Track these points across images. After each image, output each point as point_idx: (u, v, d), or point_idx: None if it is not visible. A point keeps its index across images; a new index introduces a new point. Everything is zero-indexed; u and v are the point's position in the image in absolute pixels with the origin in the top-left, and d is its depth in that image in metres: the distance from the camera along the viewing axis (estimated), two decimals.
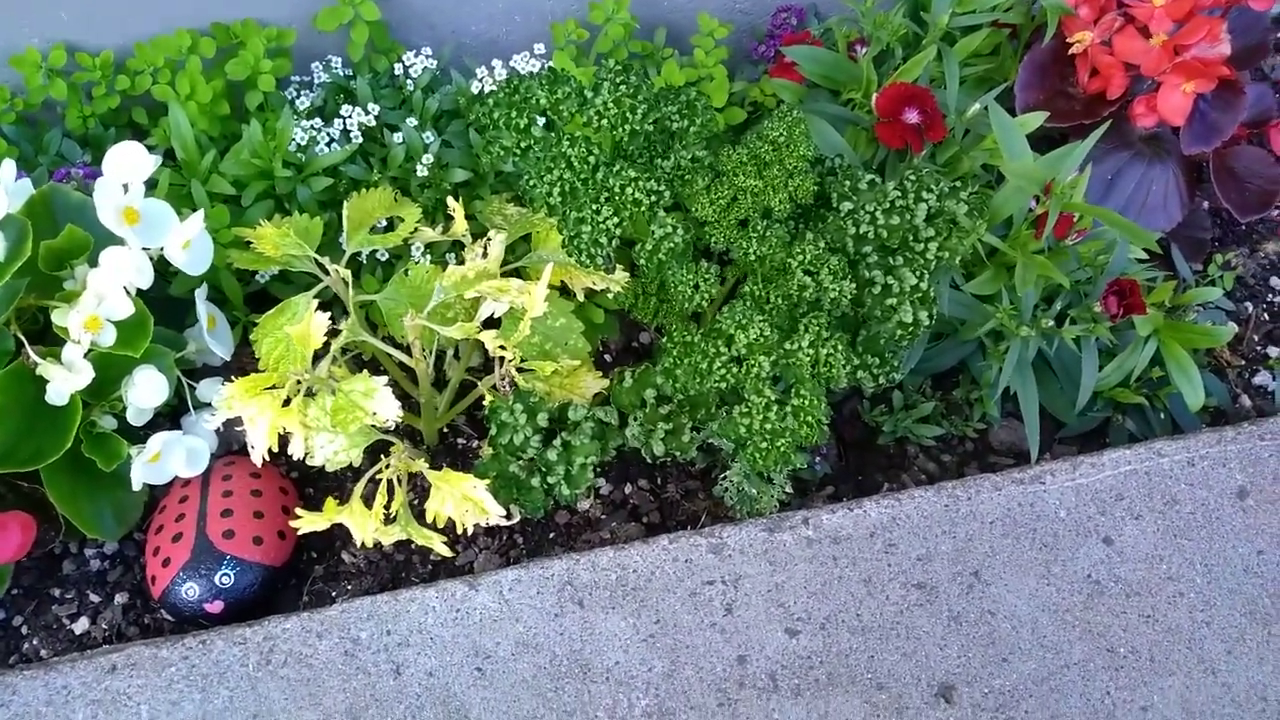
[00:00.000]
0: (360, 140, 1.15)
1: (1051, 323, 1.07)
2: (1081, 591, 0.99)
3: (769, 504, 1.04)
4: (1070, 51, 1.18)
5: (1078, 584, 1.00)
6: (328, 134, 1.15)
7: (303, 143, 1.13)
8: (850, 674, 0.93)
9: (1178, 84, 1.12)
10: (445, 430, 1.14)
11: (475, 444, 1.13)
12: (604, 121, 0.95)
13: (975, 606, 0.97)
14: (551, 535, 1.08)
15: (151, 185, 1.04)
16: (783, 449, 0.90)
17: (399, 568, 1.04)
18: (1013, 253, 1.03)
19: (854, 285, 0.93)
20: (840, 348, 0.92)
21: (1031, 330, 1.05)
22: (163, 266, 1.06)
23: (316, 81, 1.21)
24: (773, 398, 0.89)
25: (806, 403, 0.90)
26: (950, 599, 0.97)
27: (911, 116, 1.09)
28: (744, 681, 0.92)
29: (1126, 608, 0.99)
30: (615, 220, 0.92)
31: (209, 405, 1.04)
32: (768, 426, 0.90)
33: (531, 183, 0.97)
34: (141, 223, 0.94)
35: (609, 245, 0.94)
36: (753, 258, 0.95)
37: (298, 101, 1.17)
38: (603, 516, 1.09)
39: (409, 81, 1.19)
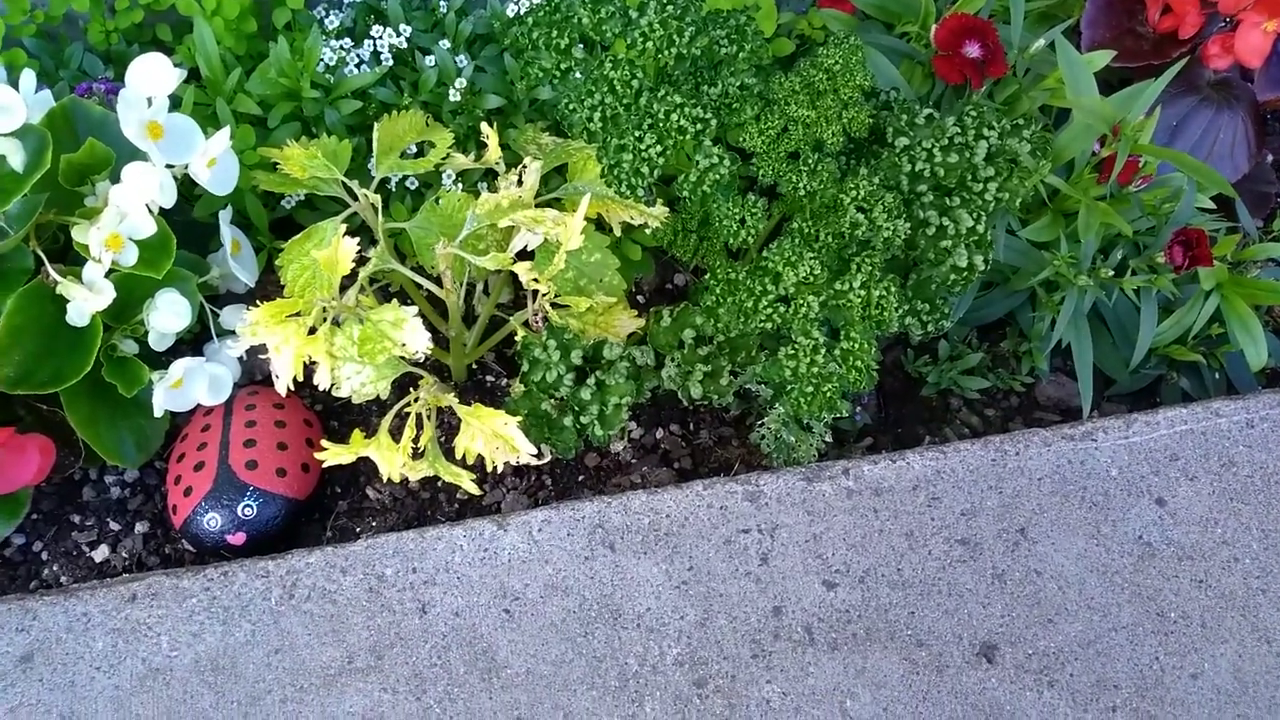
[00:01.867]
0: (391, 63, 1.10)
1: (1111, 273, 1.02)
2: (1132, 553, 0.95)
3: (808, 453, 1.01)
4: None
5: (1128, 545, 0.96)
6: (357, 55, 1.10)
7: (331, 63, 1.09)
8: (889, 630, 0.89)
9: (1258, 22, 1.05)
10: (474, 367, 1.11)
11: (504, 382, 1.10)
12: (649, 44, 0.89)
13: (1020, 565, 0.94)
14: (580, 478, 1.05)
15: (176, 103, 1.00)
16: (829, 394, 0.86)
17: (424, 506, 1.02)
18: (1076, 196, 0.98)
19: (908, 225, 0.89)
20: (893, 289, 0.87)
21: (1090, 280, 1.00)
22: (186, 189, 1.03)
23: (346, 1, 1.16)
24: (821, 340, 0.85)
25: (857, 346, 0.86)
26: (995, 556, 0.94)
27: (972, 50, 1.04)
28: (779, 633, 0.89)
29: (1179, 571, 0.95)
30: (658, 149, 0.87)
31: (232, 333, 1.01)
32: (815, 370, 0.86)
33: (571, 107, 0.92)
34: (166, 138, 0.90)
35: (651, 175, 0.89)
36: (802, 192, 0.91)
37: (326, 21, 1.13)
38: (633, 461, 1.06)
39: (442, 3, 1.14)
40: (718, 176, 0.89)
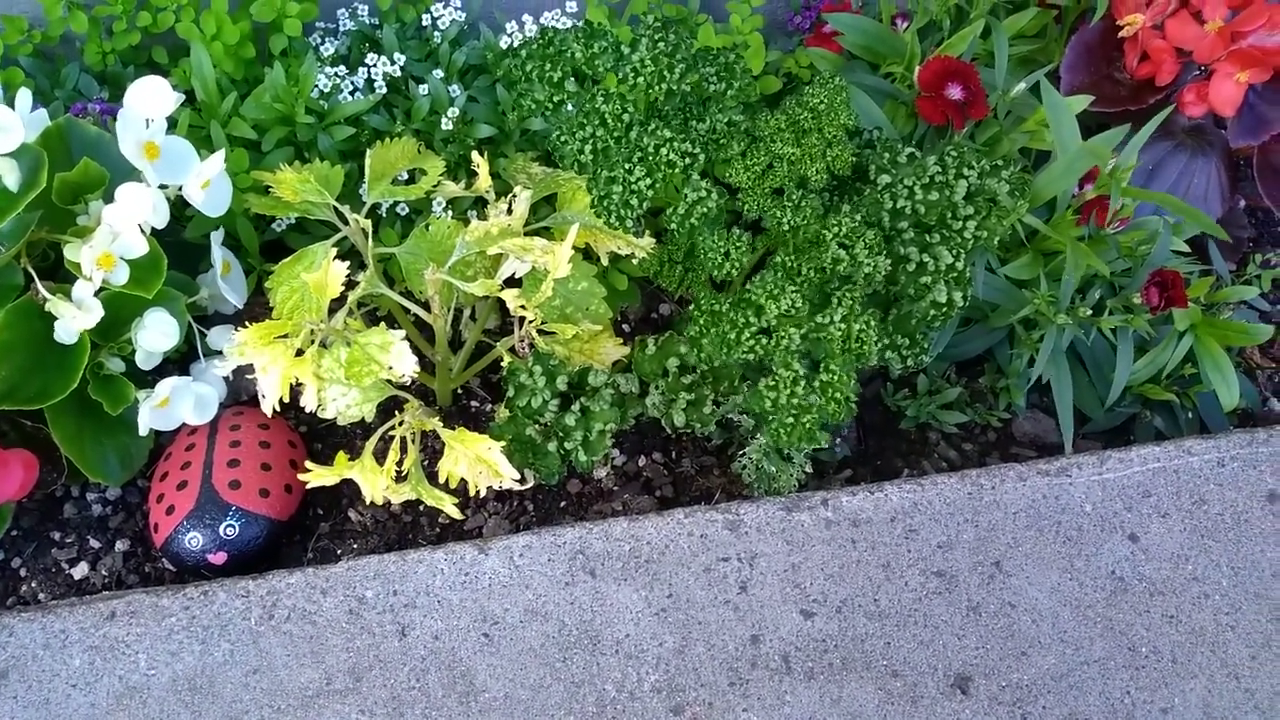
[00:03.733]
0: (384, 91, 1.12)
1: (1089, 312, 1.04)
2: (1104, 588, 0.97)
3: (788, 483, 1.02)
4: (1120, 35, 1.15)
5: (1101, 580, 0.97)
6: (351, 83, 1.12)
7: (326, 90, 1.10)
8: (865, 659, 0.90)
9: (1231, 73, 1.08)
10: (459, 392, 1.12)
11: (489, 407, 1.11)
12: (640, 79, 0.92)
13: (995, 598, 0.95)
14: (562, 504, 1.06)
15: (171, 125, 1.01)
16: (808, 425, 0.87)
17: (406, 529, 1.02)
18: (1057, 236, 1.00)
19: (889, 261, 0.90)
20: (873, 323, 0.89)
21: (1069, 319, 1.02)
22: (178, 210, 1.03)
23: (342, 29, 1.18)
24: (801, 372, 0.87)
25: (836, 379, 0.87)
26: (970, 589, 0.95)
27: (954, 92, 1.06)
28: (756, 661, 0.89)
29: (1150, 607, 0.96)
30: (648, 182, 0.89)
31: (219, 353, 1.01)
32: (794, 401, 0.87)
33: (563, 139, 0.94)
34: (162, 158, 0.91)
35: (640, 207, 0.91)
36: (786, 228, 0.92)
37: (322, 48, 1.14)
38: (615, 488, 1.07)
39: (436, 34, 1.16)
40: (705, 210, 0.91)
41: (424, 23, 1.17)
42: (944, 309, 0.95)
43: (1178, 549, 1.00)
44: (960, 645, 0.92)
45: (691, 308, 0.95)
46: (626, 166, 0.91)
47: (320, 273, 0.88)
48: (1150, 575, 0.98)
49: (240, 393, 1.07)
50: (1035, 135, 1.15)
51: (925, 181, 0.95)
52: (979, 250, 1.02)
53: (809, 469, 1.03)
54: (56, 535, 0.99)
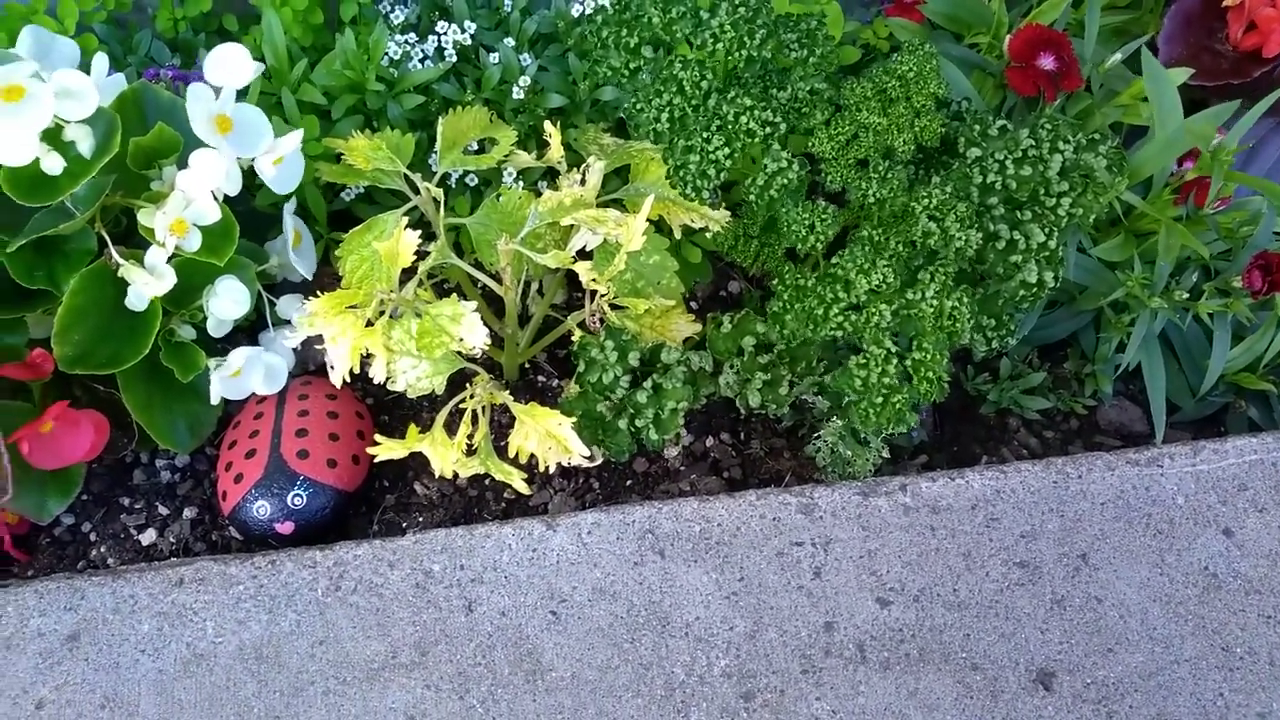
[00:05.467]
0: (454, 59, 1.10)
1: (1185, 295, 0.99)
2: (1197, 584, 0.92)
3: (863, 468, 0.98)
4: (1224, 3, 1.09)
5: (1193, 576, 0.93)
6: (421, 50, 1.10)
7: (396, 57, 1.09)
8: (944, 651, 0.87)
9: None
10: (525, 367, 1.10)
11: (556, 383, 1.09)
12: (719, 45, 0.88)
13: (1081, 591, 0.91)
14: (628, 483, 1.03)
15: (241, 94, 1.00)
16: (899, 406, 0.84)
17: (471, 503, 1.01)
18: (1155, 215, 0.95)
19: (980, 236, 0.86)
20: (965, 300, 0.85)
21: (1163, 302, 0.97)
22: (248, 177, 1.03)
23: None
24: (893, 349, 0.83)
25: (928, 357, 0.84)
26: (1054, 581, 0.91)
27: (1046, 62, 1.01)
28: (830, 649, 0.87)
29: (1245, 605, 0.91)
30: (726, 151, 0.86)
31: (287, 322, 1.00)
32: (886, 380, 0.84)
33: (639, 107, 0.91)
34: (235, 131, 0.90)
35: (717, 177, 0.88)
36: (872, 200, 0.89)
37: (392, 15, 1.13)
38: (682, 468, 1.05)
39: (506, 2, 1.14)
40: (785, 181, 0.87)
41: None
42: (1034, 289, 0.91)
43: (1275, 546, 0.95)
44: (1043, 640, 0.88)
45: (775, 282, 0.92)
46: (704, 135, 0.88)
47: (392, 241, 0.86)
48: (1246, 572, 0.93)
49: (308, 362, 1.07)
50: (1130, 110, 1.09)
51: (1018, 155, 0.91)
52: (1072, 229, 0.97)
53: (885, 454, 1.00)
54: (125, 501, 1.00)
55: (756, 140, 0.88)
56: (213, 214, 0.90)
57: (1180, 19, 1.12)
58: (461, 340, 0.86)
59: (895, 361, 0.84)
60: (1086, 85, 1.08)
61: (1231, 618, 0.91)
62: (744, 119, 0.88)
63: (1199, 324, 1.05)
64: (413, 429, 0.87)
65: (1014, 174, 0.90)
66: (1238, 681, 0.88)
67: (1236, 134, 0.99)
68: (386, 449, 0.87)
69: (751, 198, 0.91)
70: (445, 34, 1.10)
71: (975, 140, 0.92)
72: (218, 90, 0.90)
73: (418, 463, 1.02)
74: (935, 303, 0.84)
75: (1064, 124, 0.92)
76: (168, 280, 0.89)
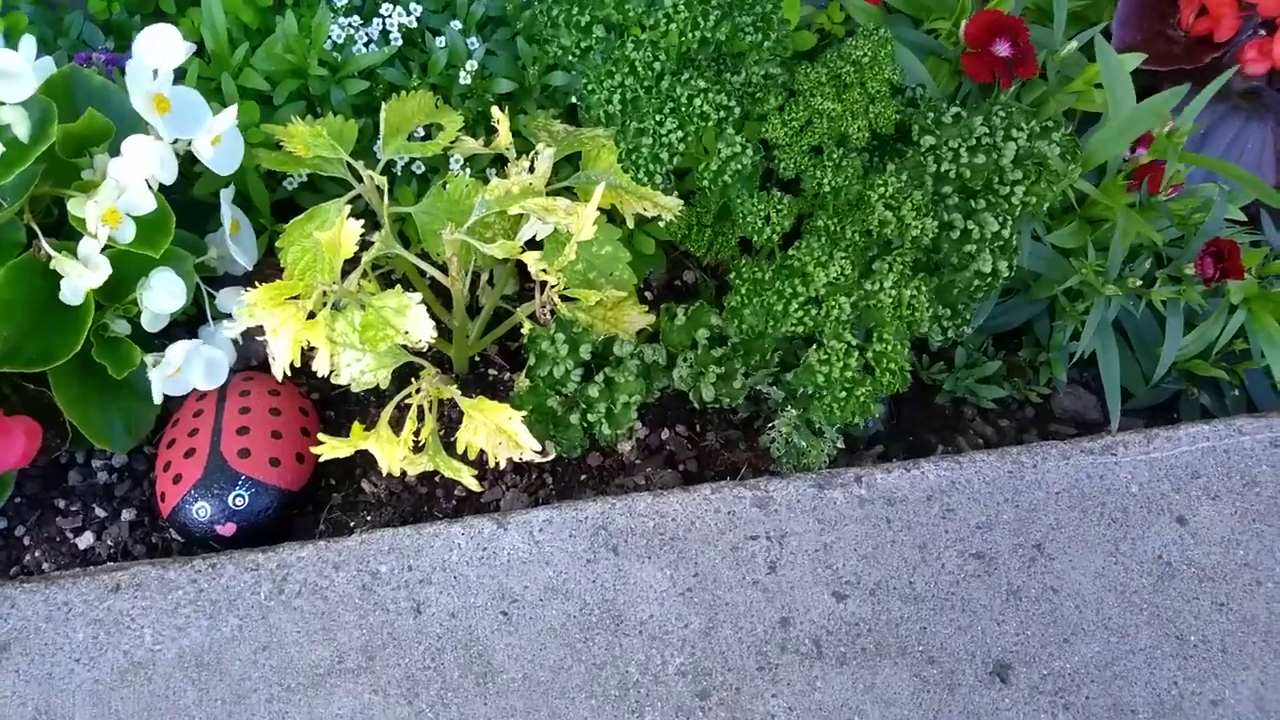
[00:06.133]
0: (400, 43, 1.07)
1: (1140, 282, 0.99)
2: (1151, 573, 0.92)
3: (818, 459, 0.97)
4: None
5: (1147, 564, 0.93)
6: (366, 34, 1.07)
7: (339, 41, 1.05)
8: (900, 645, 0.86)
9: None
10: (476, 360, 1.08)
11: (507, 376, 1.07)
12: (673, 26, 0.86)
13: (1037, 582, 0.91)
14: (583, 477, 1.02)
15: (179, 76, 0.97)
16: (862, 399, 0.83)
17: (421, 501, 0.98)
18: (1108, 203, 0.95)
19: (936, 224, 0.85)
20: (924, 289, 0.84)
21: (1118, 290, 0.97)
22: (186, 166, 0.99)
23: None
24: (854, 343, 0.82)
25: (889, 348, 0.83)
26: (1010, 572, 0.91)
27: (1002, 49, 1.00)
28: (786, 645, 0.86)
29: (1199, 593, 0.92)
30: (679, 134, 0.84)
31: (228, 316, 0.97)
32: (849, 374, 0.82)
33: (590, 89, 0.89)
34: (173, 112, 0.87)
35: (670, 161, 0.86)
36: (826, 188, 0.87)
37: None
38: (637, 462, 1.03)
39: None
40: (739, 167, 0.86)
41: None
42: (989, 279, 0.90)
43: (1228, 533, 0.95)
44: (1000, 631, 0.88)
45: (731, 276, 0.90)
46: (657, 118, 0.86)
47: (333, 231, 0.84)
48: (1199, 560, 0.93)
49: (250, 357, 1.03)
50: (1083, 96, 1.09)
51: (972, 144, 0.90)
52: (1026, 218, 0.97)
53: (840, 444, 0.99)
54: (61, 503, 0.96)
55: (710, 124, 0.86)
56: (147, 203, 0.86)
57: (1134, 4, 1.12)
58: (406, 333, 0.83)
59: (856, 355, 0.82)
60: (1042, 71, 1.08)
61: (1185, 606, 0.91)
62: (697, 101, 0.86)
63: (1152, 311, 1.05)
64: (357, 426, 0.84)
65: (968, 162, 0.89)
66: (1191, 670, 0.88)
67: (1188, 117, 0.99)
68: (330, 447, 0.84)
69: (705, 183, 0.89)
70: (390, 17, 1.06)
71: (929, 128, 0.91)
72: (154, 72, 0.87)
73: (365, 460, 0.99)
74: (894, 293, 0.83)
75: (1018, 111, 0.92)
76: (103, 272, 0.86)
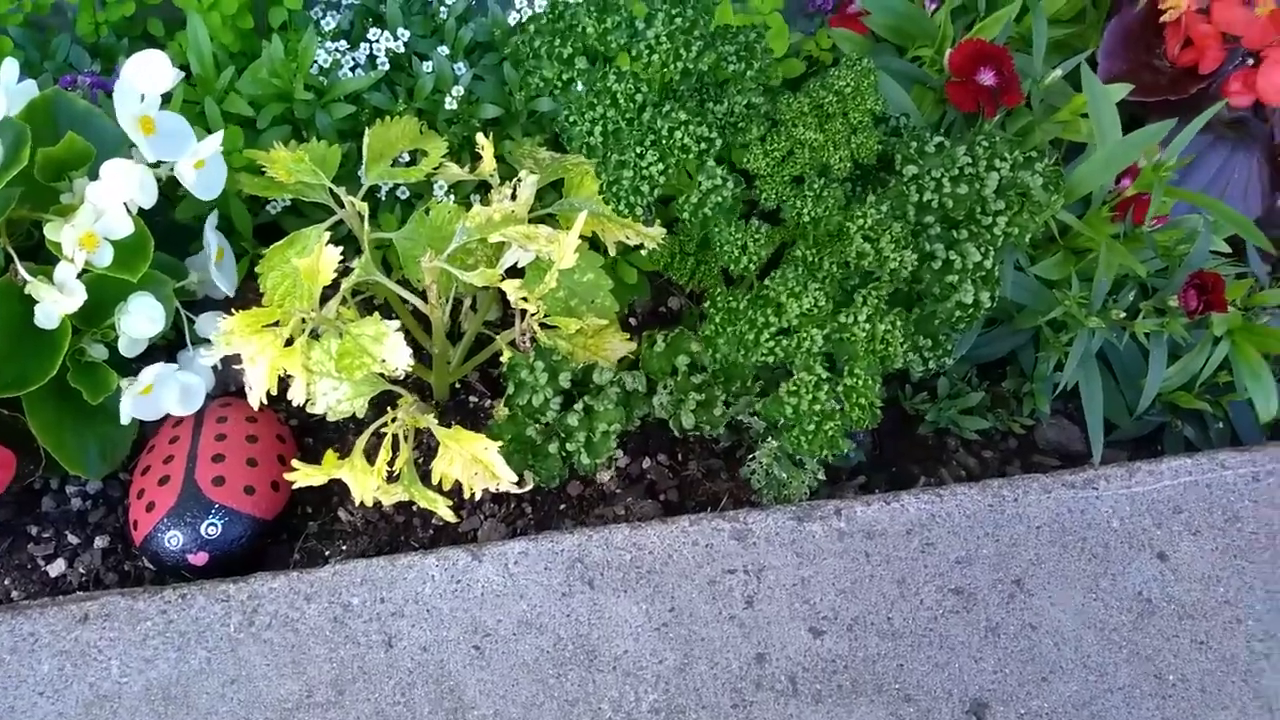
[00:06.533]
0: (387, 67, 1.07)
1: (1123, 314, 0.98)
2: (1131, 610, 0.92)
3: (799, 490, 0.97)
4: (1162, 19, 1.09)
5: (1127, 601, 0.92)
6: (352, 59, 1.07)
7: (326, 65, 1.05)
8: (876, 682, 0.85)
9: None
10: (457, 386, 1.07)
11: (488, 403, 1.06)
12: (655, 57, 0.86)
13: (1016, 618, 0.90)
14: (562, 507, 1.01)
15: (165, 100, 0.97)
16: (830, 432, 0.82)
17: (398, 530, 0.98)
18: (1091, 234, 0.94)
19: (915, 257, 0.85)
20: (899, 324, 0.83)
21: (1101, 321, 0.97)
22: (168, 189, 0.99)
23: (344, 2, 1.12)
24: (824, 376, 0.81)
25: (860, 383, 0.82)
26: (989, 608, 0.90)
27: (987, 77, 1.00)
28: (761, 682, 0.85)
29: (1179, 631, 0.91)
30: (660, 167, 0.84)
31: (208, 342, 0.97)
32: (817, 407, 0.82)
33: (571, 120, 0.88)
34: (158, 134, 0.87)
35: (651, 194, 0.85)
36: (807, 219, 0.87)
37: (323, 22, 1.09)
38: (618, 491, 1.02)
39: (442, 9, 1.11)
40: (720, 199, 0.85)
41: None
42: (970, 310, 0.89)
43: (1209, 569, 0.94)
44: (978, 669, 0.87)
45: (706, 305, 0.90)
46: (638, 150, 0.85)
47: (312, 258, 0.83)
48: (1180, 597, 0.93)
49: (229, 383, 1.03)
50: (1069, 126, 1.09)
51: (954, 173, 0.89)
52: (1008, 248, 0.96)
53: (821, 475, 0.98)
54: (33, 530, 0.95)
55: (691, 156, 0.85)
56: (125, 227, 0.86)
57: (1120, 35, 1.12)
58: (383, 361, 0.83)
59: (826, 388, 0.82)
60: (1027, 101, 1.08)
61: (1165, 644, 0.90)
62: (679, 134, 0.86)
63: (1136, 343, 1.05)
64: (330, 455, 0.83)
65: (950, 192, 0.89)
66: (1170, 710, 0.87)
67: (1175, 150, 0.98)
68: (304, 476, 0.83)
69: (685, 215, 0.89)
70: (378, 41, 1.06)
71: (912, 158, 0.91)
72: (141, 96, 0.87)
73: (342, 488, 0.98)
74: (868, 326, 0.83)
75: (1001, 141, 0.91)
76: (78, 297, 0.86)
